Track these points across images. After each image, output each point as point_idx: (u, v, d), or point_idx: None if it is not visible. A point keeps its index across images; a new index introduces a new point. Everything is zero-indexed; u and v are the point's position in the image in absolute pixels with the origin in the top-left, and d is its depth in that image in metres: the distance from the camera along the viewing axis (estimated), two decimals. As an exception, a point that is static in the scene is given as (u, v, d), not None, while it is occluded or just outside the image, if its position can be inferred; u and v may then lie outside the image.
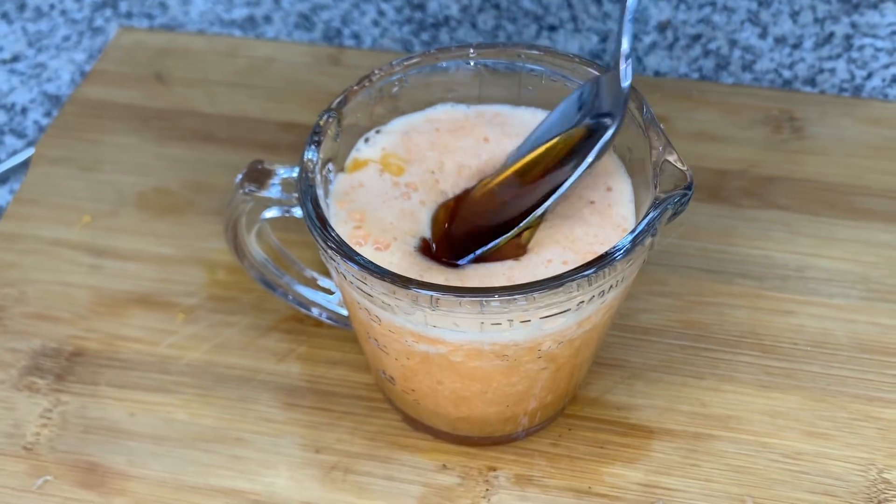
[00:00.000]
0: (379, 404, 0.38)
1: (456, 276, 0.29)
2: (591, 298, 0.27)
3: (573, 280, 0.26)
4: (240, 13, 0.59)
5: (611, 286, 0.27)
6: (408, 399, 0.34)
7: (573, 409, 0.37)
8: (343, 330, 0.40)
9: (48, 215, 0.45)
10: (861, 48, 0.55)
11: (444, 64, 0.33)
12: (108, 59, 0.53)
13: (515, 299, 0.25)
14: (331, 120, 0.31)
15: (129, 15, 0.59)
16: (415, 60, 0.33)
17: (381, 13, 0.59)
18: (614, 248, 0.26)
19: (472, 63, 0.33)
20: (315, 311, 0.37)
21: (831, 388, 0.38)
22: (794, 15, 0.57)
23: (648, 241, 0.27)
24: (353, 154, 0.33)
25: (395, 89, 0.33)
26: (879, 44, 0.55)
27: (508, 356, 0.28)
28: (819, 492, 0.35)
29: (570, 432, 0.37)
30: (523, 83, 0.33)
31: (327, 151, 0.31)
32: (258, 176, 0.32)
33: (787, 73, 0.54)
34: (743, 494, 0.35)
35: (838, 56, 0.54)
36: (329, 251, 0.27)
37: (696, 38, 0.56)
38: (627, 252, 0.26)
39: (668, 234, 0.44)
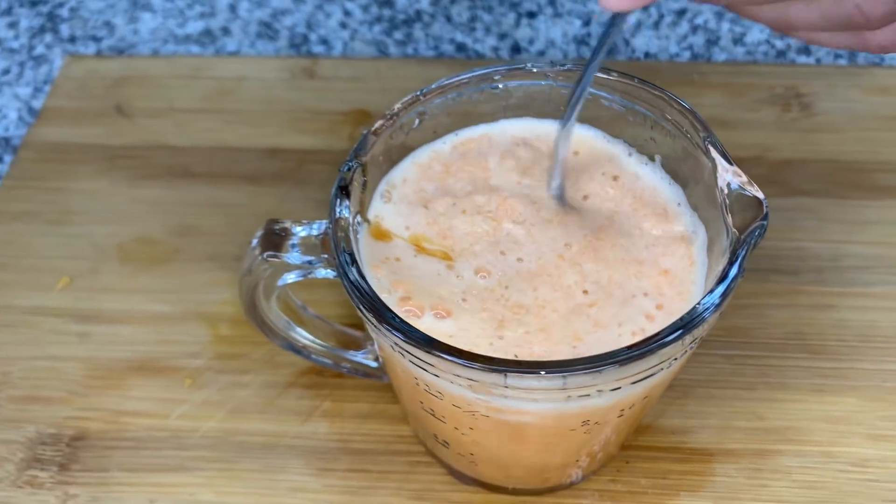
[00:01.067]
0: (420, 458, 0.35)
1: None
2: (682, 354, 0.25)
3: (663, 346, 0.23)
4: (195, 27, 0.54)
5: (699, 338, 0.25)
6: (462, 460, 0.31)
7: (627, 440, 0.35)
8: (368, 380, 0.37)
9: (20, 280, 0.41)
10: (850, 10, 0.53)
11: (467, 92, 0.30)
12: (59, 94, 0.48)
13: (601, 371, 0.23)
14: (355, 170, 0.28)
15: (72, 39, 0.54)
16: (434, 90, 0.30)
17: (348, 13, 0.55)
18: (703, 304, 0.24)
19: (499, 86, 0.30)
20: (345, 367, 0.34)
21: (887, 385, 0.36)
22: (778, -21, 0.55)
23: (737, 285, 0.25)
24: (374, 211, 0.29)
25: (416, 122, 0.30)
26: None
27: (590, 420, 0.26)
28: (893, 500, 0.33)
29: (628, 465, 0.35)
30: (553, 102, 0.30)
31: (356, 204, 0.28)
32: (275, 238, 0.28)
33: (779, 44, 0.52)
34: (817, 512, 0.33)
35: (829, 20, 0.53)
36: (391, 333, 0.24)
37: (681, 13, 0.54)
38: (717, 306, 0.24)
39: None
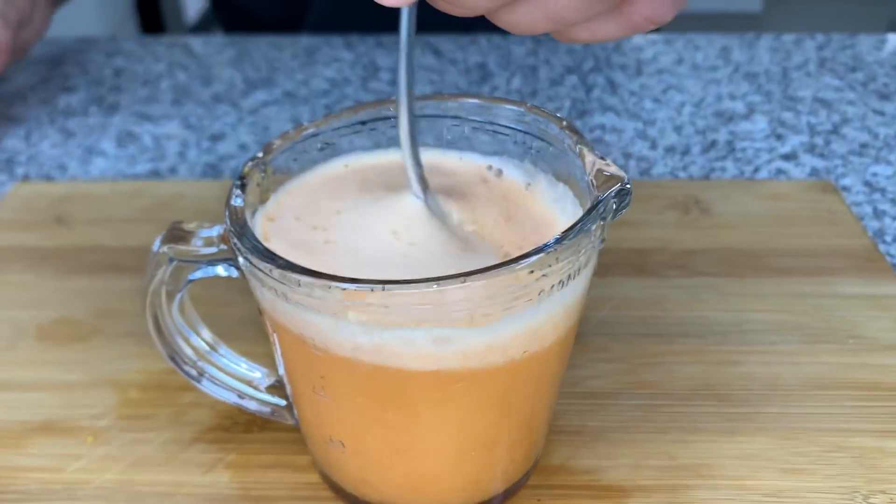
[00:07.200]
0: (323, 502, 0.34)
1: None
2: (551, 287, 0.25)
3: (532, 258, 0.24)
4: (143, 167, 0.59)
5: (569, 275, 0.26)
6: (356, 471, 0.30)
7: (537, 480, 0.34)
8: (277, 432, 0.36)
9: (-67, 358, 0.41)
10: (743, 150, 0.59)
11: (337, 124, 0.33)
12: (5, 209, 0.51)
13: (467, 284, 0.24)
14: (253, 167, 0.30)
15: (25, 178, 0.57)
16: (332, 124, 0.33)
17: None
18: (564, 234, 0.25)
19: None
20: (246, 402, 0.34)
21: (796, 426, 0.36)
22: (677, 129, 0.62)
23: (596, 226, 0.26)
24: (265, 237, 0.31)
25: (319, 146, 0.33)
26: (758, 145, 0.59)
27: (472, 367, 0.26)
28: (809, 526, 0.32)
29: (540, 503, 0.33)
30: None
31: (253, 197, 0.30)
32: (178, 235, 0.30)
33: (682, 174, 0.57)
34: (734, 539, 0.32)
35: (724, 157, 0.58)
36: (289, 273, 0.25)
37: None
38: (580, 230, 0.25)
39: (602, 307, 0.43)
